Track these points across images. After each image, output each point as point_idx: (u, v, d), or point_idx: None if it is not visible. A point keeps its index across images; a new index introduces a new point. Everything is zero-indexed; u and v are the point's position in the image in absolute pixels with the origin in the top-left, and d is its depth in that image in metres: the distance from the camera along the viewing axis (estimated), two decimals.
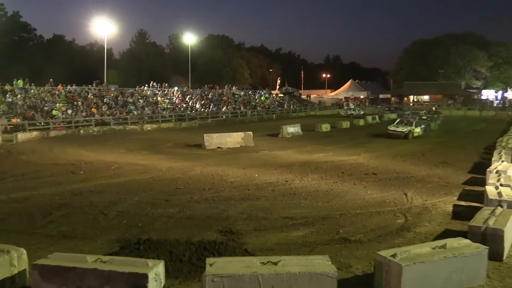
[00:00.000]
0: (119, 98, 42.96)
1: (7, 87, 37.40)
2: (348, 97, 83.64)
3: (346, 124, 38.88)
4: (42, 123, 32.69)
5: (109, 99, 41.81)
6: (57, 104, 37.05)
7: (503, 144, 21.56)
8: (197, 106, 49.69)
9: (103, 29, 50.55)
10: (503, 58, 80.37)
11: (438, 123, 39.67)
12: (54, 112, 35.15)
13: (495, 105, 71.92)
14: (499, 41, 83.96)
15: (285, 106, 62.47)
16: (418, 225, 9.90)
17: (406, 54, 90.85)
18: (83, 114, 36.89)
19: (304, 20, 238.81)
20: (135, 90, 48.11)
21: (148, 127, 37.17)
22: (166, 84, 54.11)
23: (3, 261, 5.90)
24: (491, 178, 12.42)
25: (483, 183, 13.11)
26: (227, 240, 8.57)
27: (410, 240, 8.83)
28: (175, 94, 52.55)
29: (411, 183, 14.57)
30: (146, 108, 43.32)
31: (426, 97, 79.78)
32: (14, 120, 31.98)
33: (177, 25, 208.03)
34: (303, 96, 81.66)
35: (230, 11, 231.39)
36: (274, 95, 69.87)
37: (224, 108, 51.70)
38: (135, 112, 41.02)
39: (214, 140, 24.09)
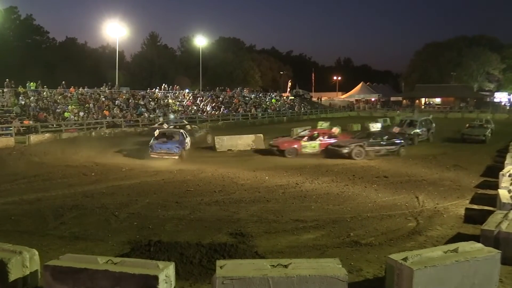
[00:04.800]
0: (130, 101, 43.23)
1: (20, 89, 37.84)
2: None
3: (357, 127, 38.70)
4: (55, 125, 33.01)
5: (120, 102, 42.09)
6: (69, 106, 37.42)
7: None
8: (208, 108, 49.84)
9: (115, 32, 51.00)
10: None
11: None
12: (66, 114, 35.49)
13: (508, 108, 71.05)
14: None
15: (296, 109, 62.39)
16: (429, 228, 9.81)
17: (418, 57, 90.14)
18: (95, 116, 37.20)
19: (315, 23, 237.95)
20: (146, 92, 48.36)
21: None
22: (178, 87, 54.34)
23: (15, 262, 5.95)
24: (504, 182, 12.26)
25: (495, 186, 12.93)
26: (237, 243, 8.56)
27: (421, 243, 8.76)
28: (186, 96, 52.75)
29: (422, 186, 14.46)
30: (157, 111, 43.55)
31: (438, 100, 79.15)
32: (26, 122, 32.32)
33: (189, 27, 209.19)
34: (314, 99, 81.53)
35: (241, 14, 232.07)
36: (285, 97, 69.83)
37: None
38: (146, 115, 41.23)
39: (225, 142, 24.17)
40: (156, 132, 23.76)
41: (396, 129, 28.15)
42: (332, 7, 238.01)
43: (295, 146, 21.57)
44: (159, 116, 41.03)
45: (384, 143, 21.02)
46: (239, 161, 20.25)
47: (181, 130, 23.98)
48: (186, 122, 32.75)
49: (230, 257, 7.55)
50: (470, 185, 14.79)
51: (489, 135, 29.30)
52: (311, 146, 21.58)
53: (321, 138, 22.05)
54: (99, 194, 13.27)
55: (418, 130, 27.45)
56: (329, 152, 20.90)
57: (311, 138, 22.12)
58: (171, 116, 40.99)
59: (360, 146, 20.39)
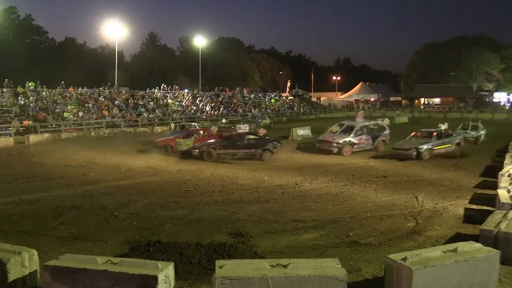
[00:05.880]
0: (129, 101, 43.23)
1: (20, 89, 37.85)
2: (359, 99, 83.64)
3: None
4: (54, 125, 33.01)
5: (120, 102, 42.08)
6: (69, 106, 37.43)
7: None
8: (207, 108, 49.83)
9: (114, 32, 51.06)
10: None
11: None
12: (65, 114, 35.49)
13: (507, 108, 71.04)
14: (511, 43, 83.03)
15: (295, 109, 62.41)
16: (429, 228, 9.81)
17: (417, 57, 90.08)
18: (94, 116, 37.18)
19: (314, 23, 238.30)
20: (146, 92, 48.36)
21: (158, 129, 37.28)
22: (177, 87, 54.32)
23: (14, 262, 5.94)
24: (503, 182, 12.28)
25: (495, 186, 12.95)
26: (236, 243, 8.56)
27: (421, 243, 8.76)
28: (185, 96, 52.73)
29: (422, 186, 14.45)
30: (156, 111, 43.54)
31: (437, 100, 79.19)
32: (26, 122, 32.33)
33: (188, 27, 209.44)
34: (313, 99, 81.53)
35: (240, 14, 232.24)
36: (284, 97, 69.82)
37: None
38: (146, 115, 41.23)
39: None
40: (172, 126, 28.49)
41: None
42: (331, 7, 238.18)
43: (170, 144, 22.98)
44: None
45: (242, 146, 20.61)
46: (238, 161, 20.22)
47: (193, 123, 28.14)
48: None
49: (230, 257, 7.55)
50: (469, 185, 14.79)
51: (433, 148, 21.23)
52: (185, 144, 22.53)
53: (196, 136, 23.42)
54: (98, 194, 13.26)
55: (351, 139, 22.52)
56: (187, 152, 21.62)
57: (187, 136, 23.56)
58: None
59: (213, 148, 20.43)
